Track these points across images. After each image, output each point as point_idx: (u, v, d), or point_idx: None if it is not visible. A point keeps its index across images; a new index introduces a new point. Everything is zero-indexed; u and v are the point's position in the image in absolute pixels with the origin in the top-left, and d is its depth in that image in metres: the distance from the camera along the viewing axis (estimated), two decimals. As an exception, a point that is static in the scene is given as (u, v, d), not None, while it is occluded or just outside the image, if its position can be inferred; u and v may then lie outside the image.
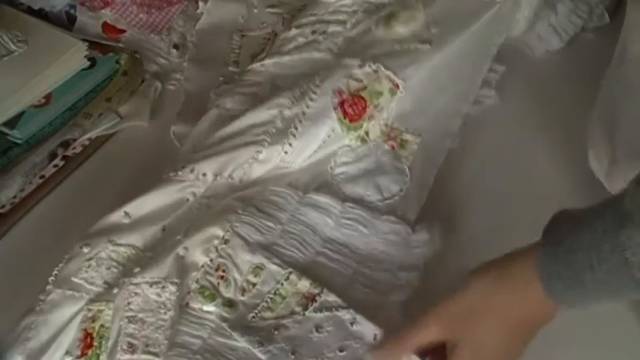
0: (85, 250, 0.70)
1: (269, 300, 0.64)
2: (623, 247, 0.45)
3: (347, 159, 0.74)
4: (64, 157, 0.84)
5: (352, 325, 0.61)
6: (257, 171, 0.74)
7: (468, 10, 0.79)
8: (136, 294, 0.66)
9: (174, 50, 0.94)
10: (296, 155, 0.74)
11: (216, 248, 0.67)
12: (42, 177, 0.82)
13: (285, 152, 0.74)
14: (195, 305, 0.64)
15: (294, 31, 0.86)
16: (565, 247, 0.48)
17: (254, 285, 0.65)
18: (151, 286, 0.66)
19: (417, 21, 0.79)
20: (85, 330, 0.66)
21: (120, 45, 0.92)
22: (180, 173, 0.75)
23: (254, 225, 0.68)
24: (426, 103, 0.77)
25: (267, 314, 0.64)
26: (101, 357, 0.64)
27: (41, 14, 0.95)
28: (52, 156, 0.82)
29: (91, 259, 0.70)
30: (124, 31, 0.95)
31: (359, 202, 0.72)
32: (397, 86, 0.76)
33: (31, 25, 0.88)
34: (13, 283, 0.74)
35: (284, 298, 0.64)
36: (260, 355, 0.61)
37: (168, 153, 0.81)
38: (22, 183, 0.80)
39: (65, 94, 0.84)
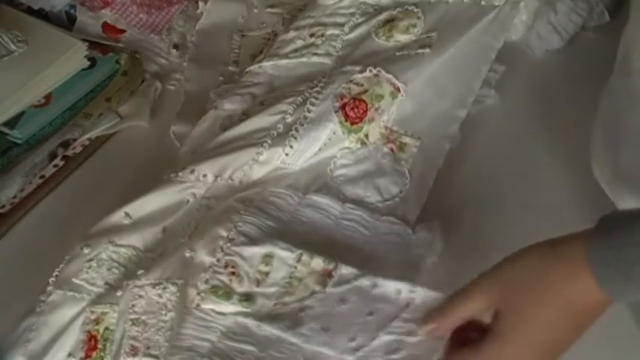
0: (86, 250, 0.71)
1: (287, 285, 0.63)
2: None
3: (347, 161, 0.74)
4: (64, 157, 0.84)
5: (374, 289, 0.61)
6: (257, 172, 0.74)
7: (467, 14, 0.79)
8: (139, 296, 0.66)
9: (174, 50, 0.94)
10: (297, 157, 0.74)
11: (222, 248, 0.66)
12: (42, 177, 0.82)
13: (286, 154, 0.74)
14: (206, 306, 0.63)
15: (292, 34, 0.85)
16: (618, 239, 0.47)
17: (267, 274, 0.64)
18: (153, 287, 0.66)
19: (417, 28, 0.79)
20: (89, 332, 0.66)
21: (120, 45, 0.92)
22: (180, 174, 0.75)
23: (256, 224, 0.68)
24: (425, 107, 0.76)
25: (288, 299, 0.63)
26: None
27: (41, 14, 0.96)
28: (52, 156, 0.82)
29: (91, 259, 0.70)
30: (124, 31, 0.95)
31: (359, 203, 0.71)
32: (398, 89, 0.76)
33: (31, 25, 0.88)
34: (14, 284, 0.74)
35: (300, 280, 0.63)
36: (293, 339, 0.60)
37: (168, 153, 0.81)
38: (22, 183, 0.80)
39: (65, 94, 0.84)
